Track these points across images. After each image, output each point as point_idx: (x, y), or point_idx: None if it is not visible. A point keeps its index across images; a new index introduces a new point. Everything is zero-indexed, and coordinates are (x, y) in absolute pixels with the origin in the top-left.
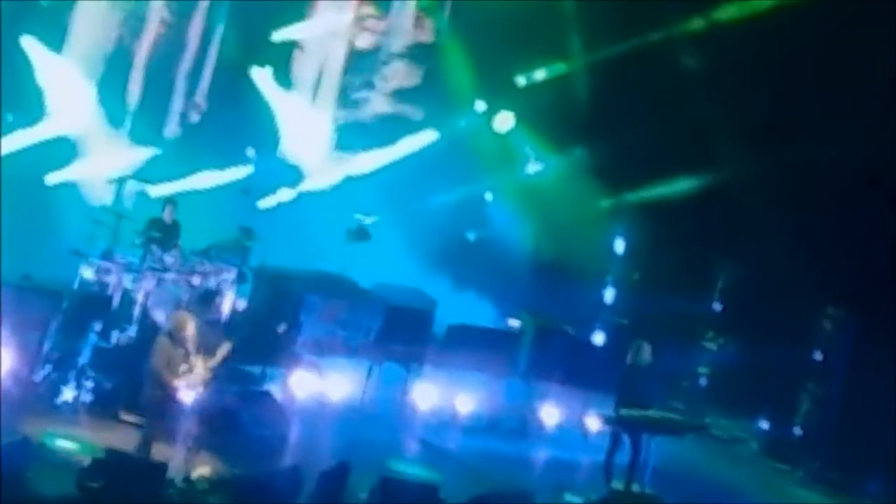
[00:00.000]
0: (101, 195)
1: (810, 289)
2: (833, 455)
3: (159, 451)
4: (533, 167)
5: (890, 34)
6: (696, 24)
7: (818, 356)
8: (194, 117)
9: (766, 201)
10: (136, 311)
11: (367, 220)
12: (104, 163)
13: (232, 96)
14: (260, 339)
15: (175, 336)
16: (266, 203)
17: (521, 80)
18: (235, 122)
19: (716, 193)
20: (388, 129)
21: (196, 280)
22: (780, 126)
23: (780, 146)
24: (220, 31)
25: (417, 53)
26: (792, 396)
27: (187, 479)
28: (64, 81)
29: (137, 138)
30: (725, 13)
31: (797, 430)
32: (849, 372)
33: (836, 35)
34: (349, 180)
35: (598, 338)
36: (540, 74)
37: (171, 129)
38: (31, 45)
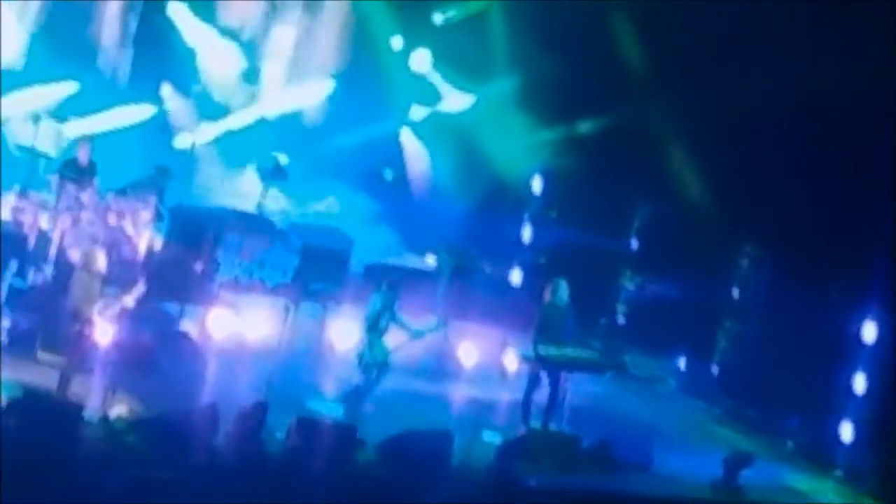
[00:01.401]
0: (17, 133)
1: (727, 227)
2: (750, 392)
3: (77, 391)
4: (449, 105)
5: None
6: None
7: (735, 294)
8: (112, 55)
9: (684, 139)
10: (52, 251)
11: (283, 159)
12: (19, 101)
13: (149, 33)
14: (177, 279)
15: (92, 273)
16: (182, 142)
17: (437, 18)
18: (152, 59)
19: (633, 131)
20: (303, 69)
21: (112, 219)
22: (699, 64)
23: (697, 85)
24: None
25: None
26: (709, 334)
27: (105, 419)
28: None
29: (53, 76)
30: None
31: (714, 368)
32: (765, 310)
33: None
34: (266, 119)
35: (516, 276)
36: (456, 12)
37: (88, 66)
38: None
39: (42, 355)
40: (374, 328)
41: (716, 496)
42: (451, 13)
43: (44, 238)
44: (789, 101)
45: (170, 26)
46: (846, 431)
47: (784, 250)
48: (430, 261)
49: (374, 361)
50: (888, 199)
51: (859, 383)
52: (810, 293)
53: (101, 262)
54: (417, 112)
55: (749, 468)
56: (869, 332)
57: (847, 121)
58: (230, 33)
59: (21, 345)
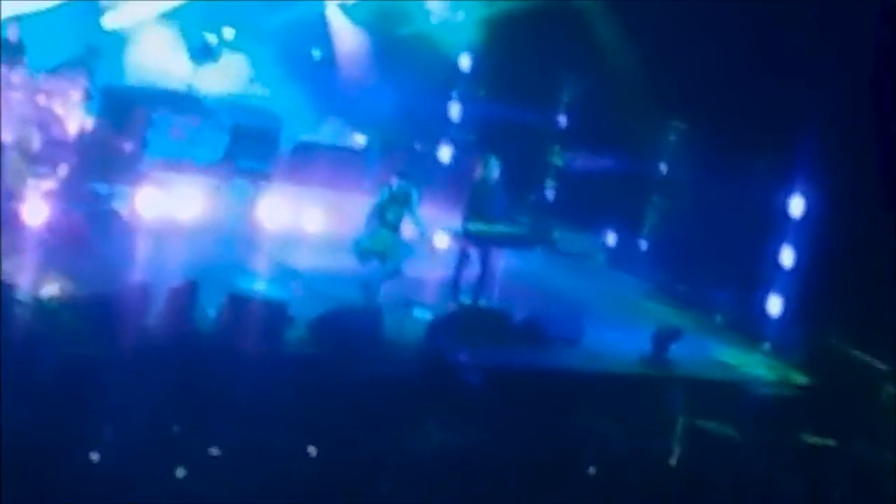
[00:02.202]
0: None
1: (655, 102)
2: (678, 267)
3: (8, 270)
4: None
5: None
6: None
7: (663, 169)
8: None
9: (612, 14)
10: None
11: (212, 39)
12: None
13: None
14: (107, 158)
15: (22, 152)
16: (112, 21)
17: None
18: None
19: (561, 6)
20: None
21: (42, 99)
22: None
23: None
24: None
25: None
26: (637, 209)
27: (37, 298)
28: None
29: None
30: None
31: (643, 243)
32: (693, 184)
33: None
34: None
35: (445, 153)
36: None
37: None
38: None
39: None
40: (379, 219)
41: (645, 370)
42: None
43: None
44: None
45: None
46: (774, 305)
47: (711, 125)
48: (359, 139)
49: (371, 250)
50: (814, 74)
51: (787, 257)
52: (737, 167)
53: (31, 142)
54: None
55: (678, 342)
56: (796, 205)
57: None
58: None
59: None
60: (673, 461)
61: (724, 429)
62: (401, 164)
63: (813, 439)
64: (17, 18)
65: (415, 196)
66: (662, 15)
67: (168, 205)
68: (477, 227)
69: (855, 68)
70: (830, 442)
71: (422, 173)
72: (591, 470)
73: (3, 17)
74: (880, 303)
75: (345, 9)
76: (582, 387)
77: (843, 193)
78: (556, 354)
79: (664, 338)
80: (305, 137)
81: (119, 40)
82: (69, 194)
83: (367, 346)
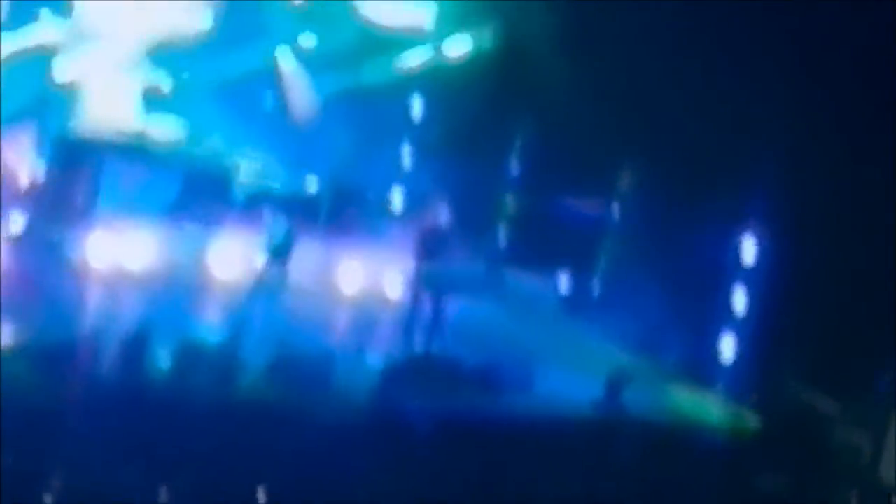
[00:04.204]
0: None
1: (607, 145)
2: (631, 311)
3: None
4: (330, 34)
5: None
6: None
7: (616, 213)
8: None
9: (564, 57)
10: None
11: (164, 87)
12: None
13: None
14: (59, 207)
15: None
16: (61, 72)
17: None
18: None
19: (513, 51)
20: None
21: None
22: None
23: (575, 5)
24: None
25: None
26: (589, 253)
27: None
28: None
29: None
30: None
31: (595, 288)
32: (646, 228)
33: None
34: (146, 47)
35: (398, 199)
36: None
37: None
38: None
39: None
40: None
41: (598, 415)
42: None
43: None
44: (669, 20)
45: None
46: (727, 349)
47: (664, 170)
48: (312, 186)
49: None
50: (767, 120)
51: (739, 300)
52: (690, 212)
53: None
54: (298, 38)
55: (631, 387)
56: (748, 249)
57: (729, 33)
58: None
59: None
60: None
61: (677, 473)
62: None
63: (767, 482)
64: None
65: (289, 229)
66: (614, 59)
67: (119, 253)
68: (429, 273)
69: (805, 116)
70: (784, 485)
71: (374, 219)
72: None
73: None
74: (832, 345)
75: (297, 56)
76: (534, 432)
77: (795, 238)
78: (508, 400)
79: (617, 382)
80: (257, 185)
81: (70, 91)
82: (21, 243)
83: (319, 392)
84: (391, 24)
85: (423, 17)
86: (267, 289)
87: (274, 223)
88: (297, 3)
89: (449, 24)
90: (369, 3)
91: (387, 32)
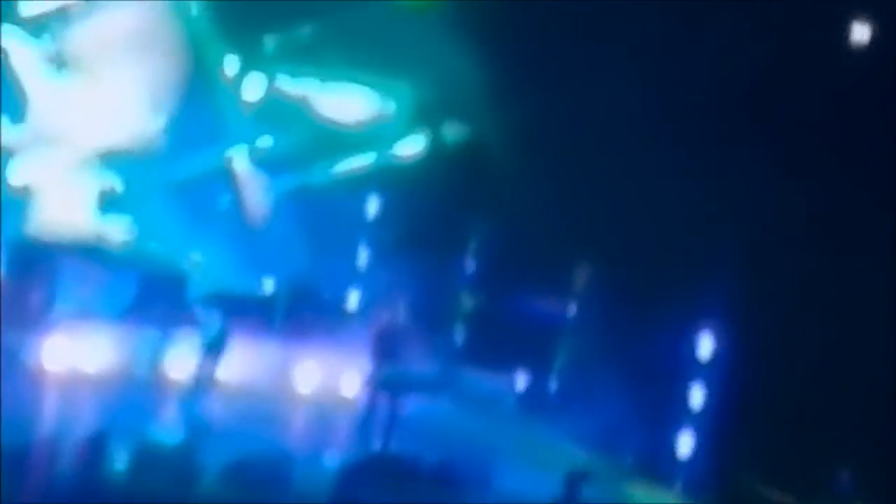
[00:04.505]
0: None
1: (562, 245)
2: (588, 408)
3: None
4: (285, 134)
5: None
6: None
7: (572, 310)
8: None
9: (519, 159)
10: None
11: (119, 189)
12: None
13: None
14: (15, 310)
15: None
16: (16, 177)
17: (269, 45)
18: None
19: (467, 152)
20: (137, 96)
21: None
22: (524, 86)
23: (525, 98)
24: None
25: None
26: (546, 352)
27: None
28: None
29: None
30: None
31: (553, 385)
32: (602, 326)
33: None
34: (101, 150)
35: (353, 299)
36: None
37: None
38: None
39: None
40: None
41: None
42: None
43: None
44: (625, 119)
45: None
46: (684, 445)
47: (620, 268)
48: (268, 286)
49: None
50: (722, 220)
51: (696, 397)
52: (646, 310)
53: None
54: (252, 139)
55: (589, 484)
56: (704, 347)
57: (685, 135)
58: (59, 61)
59: None
60: None
61: None
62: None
63: None
64: None
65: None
66: (571, 157)
67: (76, 356)
68: (385, 372)
69: (759, 215)
70: None
71: (331, 319)
72: None
73: None
74: (789, 442)
75: (251, 157)
76: None
77: (751, 335)
78: (467, 498)
79: (575, 480)
80: (213, 286)
81: (24, 193)
82: None
83: (277, 492)
84: (346, 122)
85: (379, 115)
86: (201, 386)
87: (208, 320)
88: (251, 104)
89: (404, 122)
90: (324, 103)
91: (342, 131)
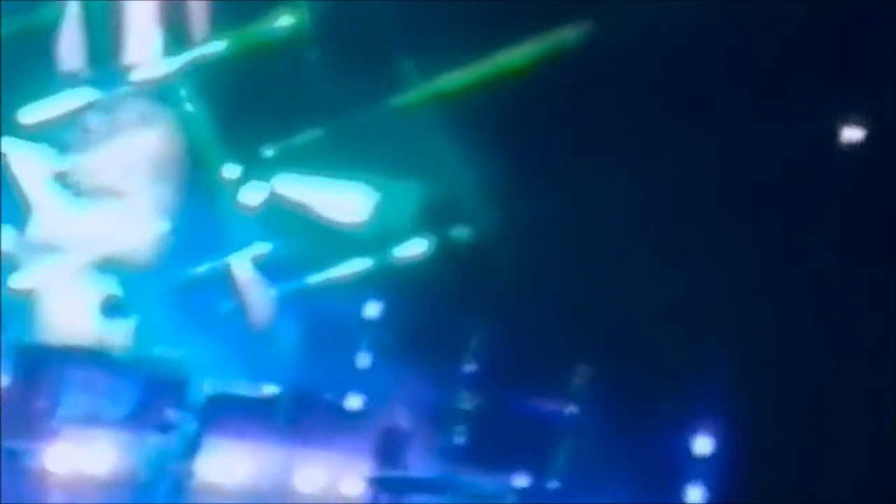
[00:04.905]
0: None
1: (561, 346)
2: None
3: None
4: (287, 238)
5: None
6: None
7: (570, 411)
8: None
9: (516, 259)
10: None
11: (120, 295)
12: None
13: None
14: (19, 416)
15: None
16: (20, 282)
17: (268, 151)
18: None
19: (464, 252)
20: (136, 205)
21: None
22: (520, 180)
23: (521, 201)
24: None
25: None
26: (546, 451)
27: None
28: None
29: None
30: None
31: (552, 484)
32: (600, 425)
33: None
34: (102, 258)
35: (355, 402)
36: (291, 144)
37: None
38: None
39: None
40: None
41: None
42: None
43: None
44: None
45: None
46: None
47: (617, 369)
48: (270, 389)
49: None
50: (717, 323)
51: (694, 495)
52: (643, 409)
53: None
54: (252, 244)
55: None
56: (701, 444)
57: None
58: (61, 176)
59: None
60: None
61: None
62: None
63: None
64: None
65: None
66: (569, 258)
67: (81, 460)
68: (387, 473)
69: (752, 315)
70: None
71: (332, 421)
72: None
73: None
74: None
75: (251, 261)
76: None
77: (748, 432)
78: None
79: None
80: (216, 389)
81: (28, 299)
82: None
83: None
84: (346, 225)
85: (378, 217)
86: (174, 486)
87: (183, 422)
88: (251, 209)
89: (404, 224)
90: (324, 206)
91: (342, 234)
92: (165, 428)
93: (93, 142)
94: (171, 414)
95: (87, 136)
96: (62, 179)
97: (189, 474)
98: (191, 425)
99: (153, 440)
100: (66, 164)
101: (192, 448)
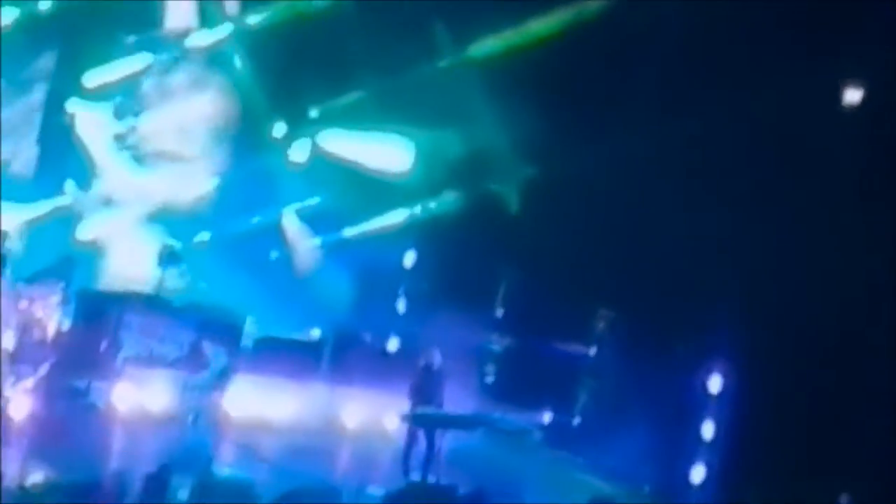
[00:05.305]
0: None
1: (584, 292)
2: (608, 443)
3: None
4: (331, 191)
5: None
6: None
7: (592, 353)
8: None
9: (542, 213)
10: None
11: (176, 245)
12: None
13: (51, 130)
14: (83, 356)
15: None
16: (84, 233)
17: (314, 111)
18: (56, 153)
19: (492, 204)
20: (192, 160)
21: (24, 304)
22: (547, 135)
23: (548, 155)
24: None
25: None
26: (570, 390)
27: (22, 486)
28: None
29: None
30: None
31: (576, 421)
32: (620, 366)
33: None
34: (160, 209)
35: (393, 345)
36: (335, 103)
37: None
38: None
39: None
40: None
41: None
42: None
43: None
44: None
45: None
46: (697, 474)
47: (635, 313)
48: (315, 333)
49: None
50: (725, 267)
51: (707, 430)
52: (660, 350)
53: (10, 342)
54: (299, 198)
55: None
56: (714, 383)
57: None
58: (120, 137)
59: None
60: None
61: None
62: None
63: None
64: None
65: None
66: (594, 209)
67: (141, 398)
68: (423, 410)
69: (764, 258)
70: None
71: (373, 363)
72: None
73: None
74: (793, 472)
75: (298, 214)
76: None
77: (756, 371)
78: None
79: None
80: (265, 333)
81: (92, 249)
82: (50, 390)
83: None
84: (387, 179)
85: (417, 171)
86: (205, 417)
87: (214, 357)
88: (298, 164)
89: (440, 177)
90: (366, 160)
91: (382, 186)
92: (202, 366)
93: (150, 105)
94: (207, 350)
95: (144, 100)
96: (122, 140)
97: (216, 407)
98: (221, 360)
99: (190, 377)
100: (125, 125)
101: (221, 383)
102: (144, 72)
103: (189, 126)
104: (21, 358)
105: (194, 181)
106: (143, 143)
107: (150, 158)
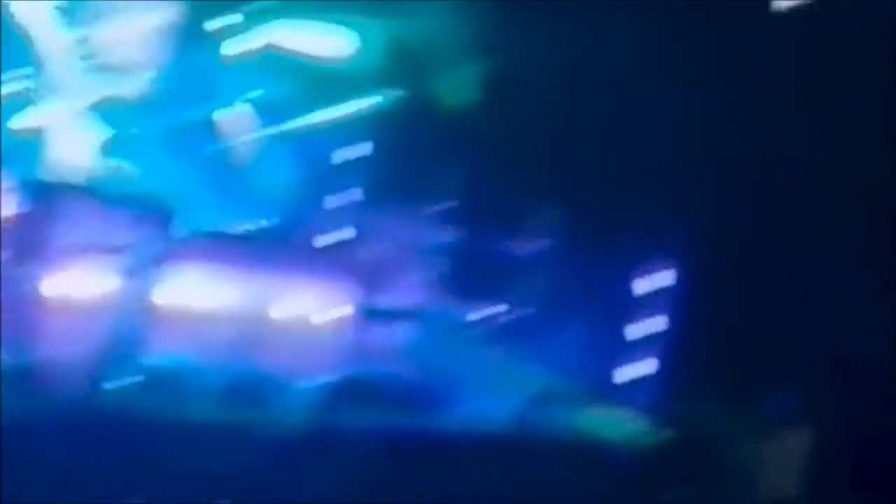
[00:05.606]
0: None
1: (531, 185)
2: (553, 338)
3: None
4: (275, 82)
5: None
6: None
7: (539, 246)
8: None
9: (492, 103)
10: None
11: (121, 135)
12: None
13: None
14: (29, 245)
15: None
16: (27, 122)
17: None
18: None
19: (442, 97)
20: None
21: None
22: (499, 26)
23: (500, 46)
24: None
25: None
26: (515, 284)
27: None
28: None
29: None
30: None
31: (521, 315)
32: (566, 260)
33: None
34: (102, 100)
35: (335, 237)
36: None
37: None
38: None
39: None
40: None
41: (515, 433)
42: None
43: None
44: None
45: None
46: (641, 369)
47: (582, 206)
48: (254, 223)
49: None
50: (678, 158)
51: (655, 325)
52: (609, 244)
53: None
54: (241, 89)
55: (547, 406)
56: (664, 277)
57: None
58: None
59: None
60: None
61: (589, 488)
62: None
63: (672, 496)
64: None
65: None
66: (540, 104)
67: (78, 285)
68: (364, 303)
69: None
70: (690, 498)
71: (307, 255)
72: None
73: None
74: (738, 364)
75: (240, 105)
76: (454, 449)
77: (704, 264)
78: (433, 419)
79: (534, 402)
80: (201, 223)
81: (38, 138)
82: None
83: (260, 412)
84: (332, 70)
85: (363, 61)
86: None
87: (149, 246)
88: (240, 55)
89: (387, 68)
90: (312, 51)
91: (328, 78)
92: (137, 255)
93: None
94: (142, 241)
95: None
96: (63, 18)
97: (143, 296)
98: (156, 250)
99: (120, 265)
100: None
101: (154, 272)
102: None
103: (142, 35)
104: None
105: (136, 73)
106: (85, 25)
107: (92, 41)
